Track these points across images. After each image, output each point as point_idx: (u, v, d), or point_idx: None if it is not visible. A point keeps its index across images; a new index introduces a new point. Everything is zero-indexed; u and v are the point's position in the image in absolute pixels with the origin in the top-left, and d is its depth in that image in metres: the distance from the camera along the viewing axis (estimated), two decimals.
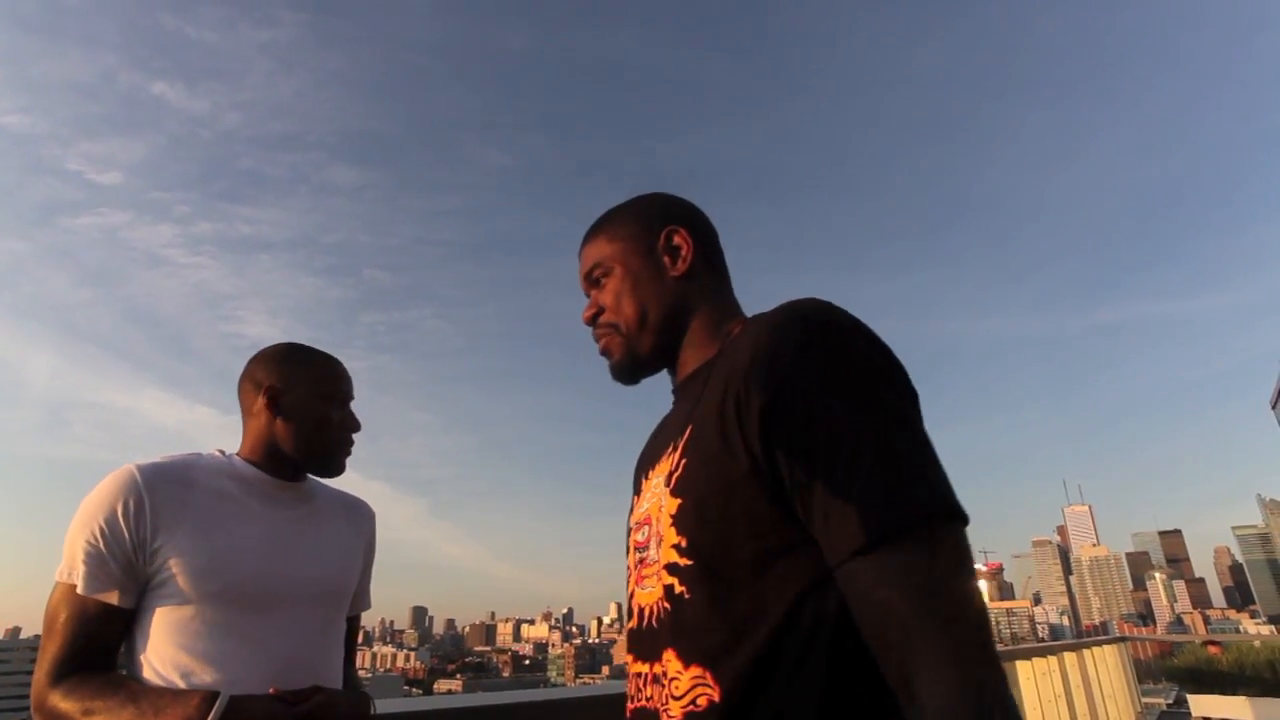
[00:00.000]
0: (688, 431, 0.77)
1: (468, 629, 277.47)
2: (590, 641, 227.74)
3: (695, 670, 0.68)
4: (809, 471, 0.63)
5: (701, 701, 0.67)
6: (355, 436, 1.30)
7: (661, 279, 0.90)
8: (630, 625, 0.83)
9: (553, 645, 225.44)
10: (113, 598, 1.04)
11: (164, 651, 1.04)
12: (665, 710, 0.71)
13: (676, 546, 0.73)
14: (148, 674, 1.03)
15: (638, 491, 0.90)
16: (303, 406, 1.20)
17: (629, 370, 0.92)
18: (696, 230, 0.93)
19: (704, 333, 0.89)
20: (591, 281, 0.94)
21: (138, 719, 0.96)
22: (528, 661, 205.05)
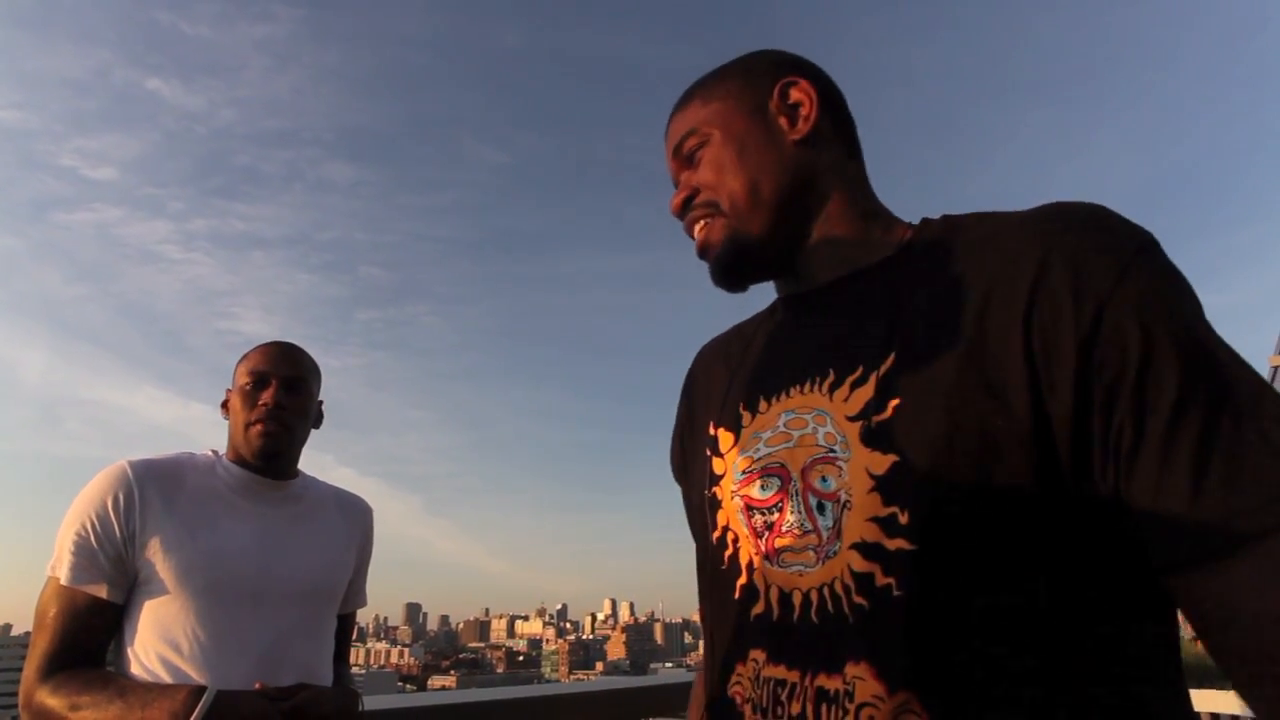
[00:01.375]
0: (889, 360, 0.54)
1: (462, 625, 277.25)
2: (584, 638, 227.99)
3: (901, 696, 0.47)
4: (1143, 437, 0.45)
5: None
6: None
7: (778, 144, 0.67)
8: (757, 610, 0.59)
9: (547, 641, 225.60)
10: (101, 591, 1.05)
11: (151, 646, 1.04)
12: None
13: (885, 522, 0.50)
14: (135, 669, 1.04)
15: (731, 425, 0.67)
16: (233, 402, 1.21)
17: (737, 263, 0.68)
18: (821, 84, 0.69)
19: (844, 221, 0.66)
20: (683, 159, 0.71)
21: (125, 713, 0.97)
22: (522, 658, 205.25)
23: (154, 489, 1.09)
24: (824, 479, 0.55)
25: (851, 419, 0.54)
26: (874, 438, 0.52)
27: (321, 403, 1.32)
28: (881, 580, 0.50)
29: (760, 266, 0.69)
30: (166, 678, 1.02)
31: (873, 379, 0.54)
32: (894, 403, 0.52)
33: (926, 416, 0.50)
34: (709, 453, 0.68)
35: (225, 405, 1.23)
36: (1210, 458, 0.43)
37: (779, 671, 0.55)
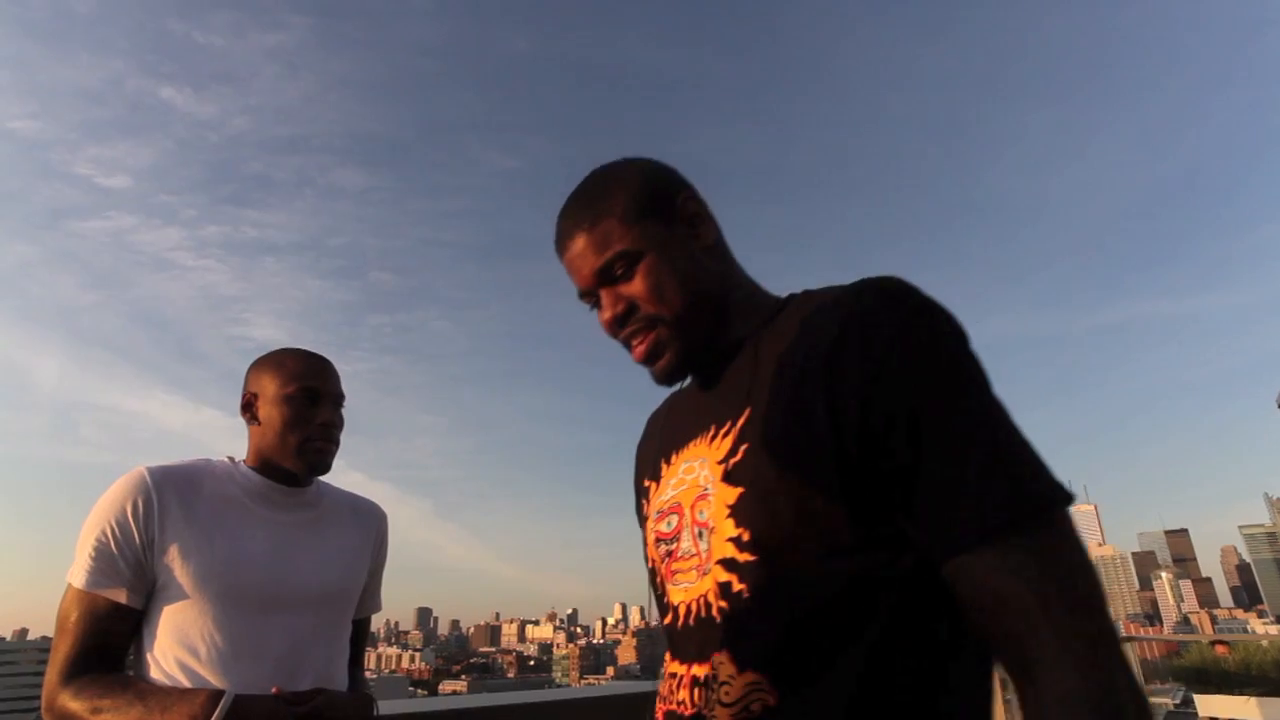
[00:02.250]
0: (746, 413, 0.70)
1: (472, 630, 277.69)
2: (595, 642, 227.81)
3: (751, 676, 0.62)
4: (919, 459, 0.59)
5: (755, 708, 0.61)
6: (351, 435, 1.25)
7: (695, 256, 0.78)
8: (666, 622, 0.76)
9: (557, 646, 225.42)
10: (121, 596, 1.06)
11: (169, 651, 1.06)
12: (711, 716, 0.64)
13: (735, 540, 0.65)
14: (154, 673, 1.06)
15: (653, 477, 0.84)
16: (270, 411, 1.20)
17: (683, 367, 0.78)
18: (700, 197, 0.81)
19: (740, 307, 0.79)
20: (608, 276, 0.77)
21: (145, 717, 0.99)
22: (532, 662, 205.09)
23: (172, 495, 1.10)
24: (701, 512, 0.70)
25: (719, 463, 0.70)
26: (729, 476, 0.68)
27: None
28: (737, 587, 0.65)
29: (701, 364, 0.80)
30: (185, 682, 1.04)
31: (734, 431, 0.70)
32: (744, 447, 0.68)
33: (762, 457, 0.65)
34: (644, 501, 0.85)
35: (247, 408, 1.21)
36: (962, 472, 0.57)
37: (675, 667, 0.72)
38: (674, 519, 0.75)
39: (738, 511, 0.66)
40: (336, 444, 1.21)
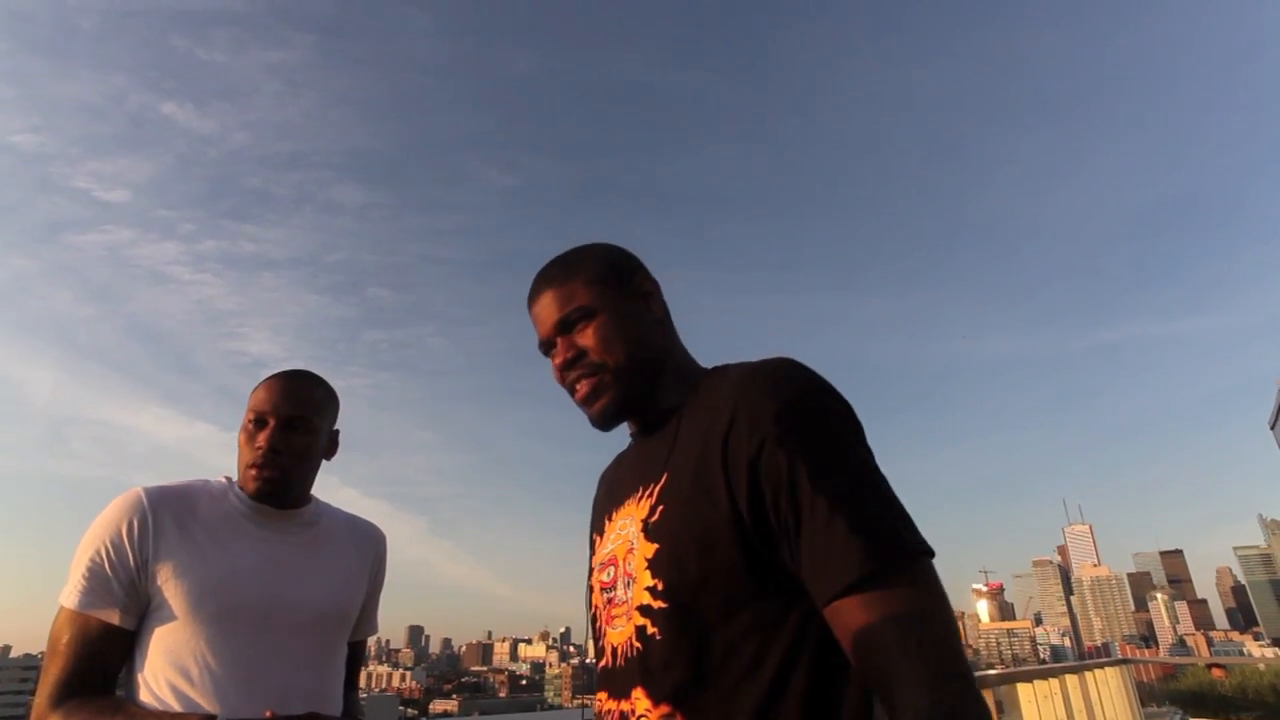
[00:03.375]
0: (664, 478, 0.81)
1: (464, 648, 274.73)
2: (588, 662, 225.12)
3: (664, 709, 0.73)
4: (799, 521, 0.70)
5: None
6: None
7: (645, 323, 0.92)
8: (602, 664, 0.85)
9: (550, 665, 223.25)
10: (114, 617, 1.05)
11: (161, 673, 1.05)
12: None
13: (651, 589, 0.76)
14: (144, 695, 1.04)
15: (599, 532, 0.95)
16: (239, 441, 1.20)
17: (618, 413, 0.91)
18: (655, 280, 0.97)
19: (673, 378, 0.91)
20: (566, 326, 0.91)
21: None
22: (525, 682, 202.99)
23: (168, 515, 1.09)
24: (629, 564, 0.81)
25: (642, 521, 0.81)
26: (647, 533, 0.79)
27: (337, 431, 1.30)
28: (650, 630, 0.76)
29: (632, 415, 0.93)
30: (176, 705, 1.02)
31: (654, 493, 0.81)
32: (660, 509, 0.79)
33: (673, 517, 0.77)
34: (590, 553, 0.96)
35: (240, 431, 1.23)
36: (832, 531, 0.68)
37: (608, 705, 0.82)
38: (612, 570, 0.86)
39: (654, 564, 0.77)
40: (282, 469, 1.17)
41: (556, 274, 0.93)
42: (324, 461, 1.28)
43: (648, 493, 0.83)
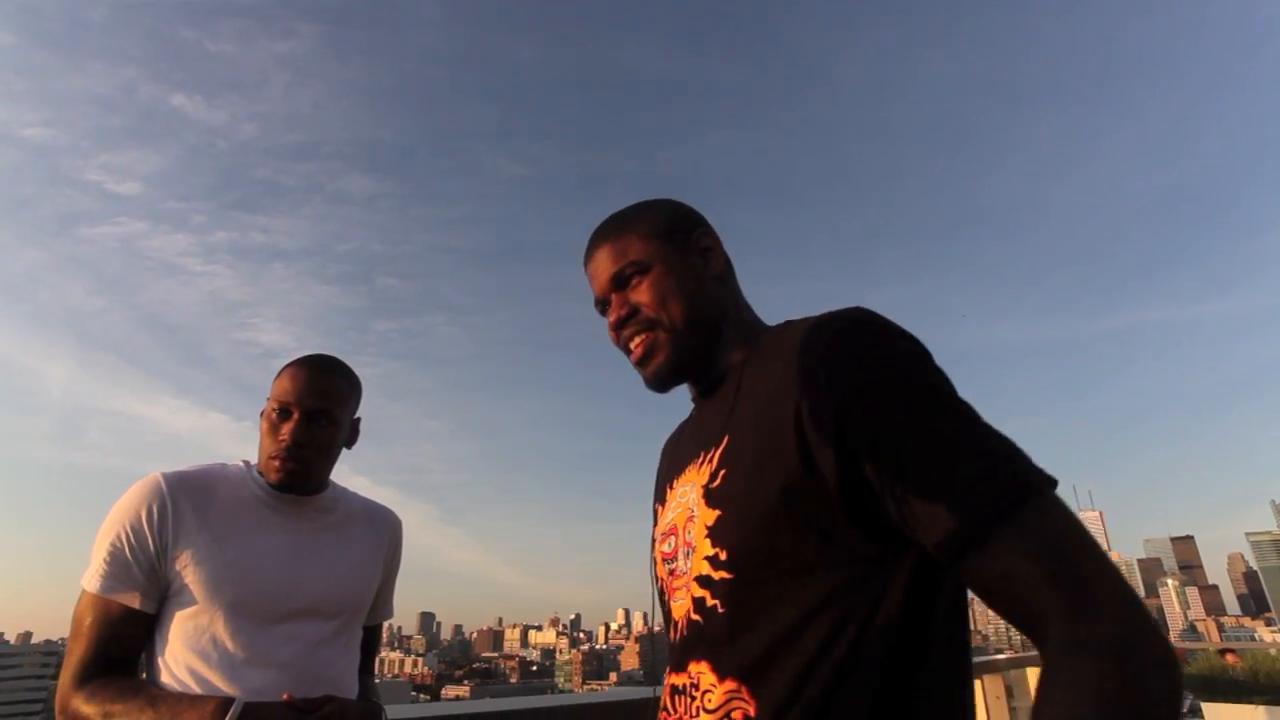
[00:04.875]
0: (724, 441, 0.76)
1: (475, 635, 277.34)
2: (598, 647, 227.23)
3: (730, 684, 0.68)
4: (908, 471, 0.63)
5: (736, 716, 0.66)
6: (348, 449, 1.29)
7: (702, 279, 0.88)
8: (670, 636, 0.82)
9: (560, 651, 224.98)
10: (134, 601, 1.08)
11: (181, 657, 1.07)
12: None
13: (711, 559, 0.72)
14: (165, 678, 1.07)
15: (661, 501, 0.91)
16: (261, 424, 1.21)
17: (673, 373, 0.86)
18: (717, 235, 0.93)
19: (735, 337, 0.86)
20: (621, 281, 0.88)
21: None
22: (535, 667, 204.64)
23: (187, 501, 1.11)
24: (689, 533, 0.77)
25: (702, 487, 0.77)
26: (709, 499, 0.75)
27: (358, 420, 1.31)
28: (710, 602, 0.72)
29: (688, 375, 0.88)
30: (196, 688, 1.04)
31: (715, 457, 0.76)
32: (722, 473, 0.74)
33: (737, 481, 0.72)
34: (654, 524, 0.92)
35: (262, 415, 1.23)
36: (953, 475, 0.61)
37: (671, 679, 0.78)
38: (672, 540, 0.81)
39: (714, 532, 0.72)
40: (303, 462, 1.18)
41: (611, 229, 0.90)
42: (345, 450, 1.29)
43: (708, 457, 0.78)
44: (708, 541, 0.73)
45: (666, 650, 0.83)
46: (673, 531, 0.82)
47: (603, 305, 0.90)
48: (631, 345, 0.87)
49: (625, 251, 0.87)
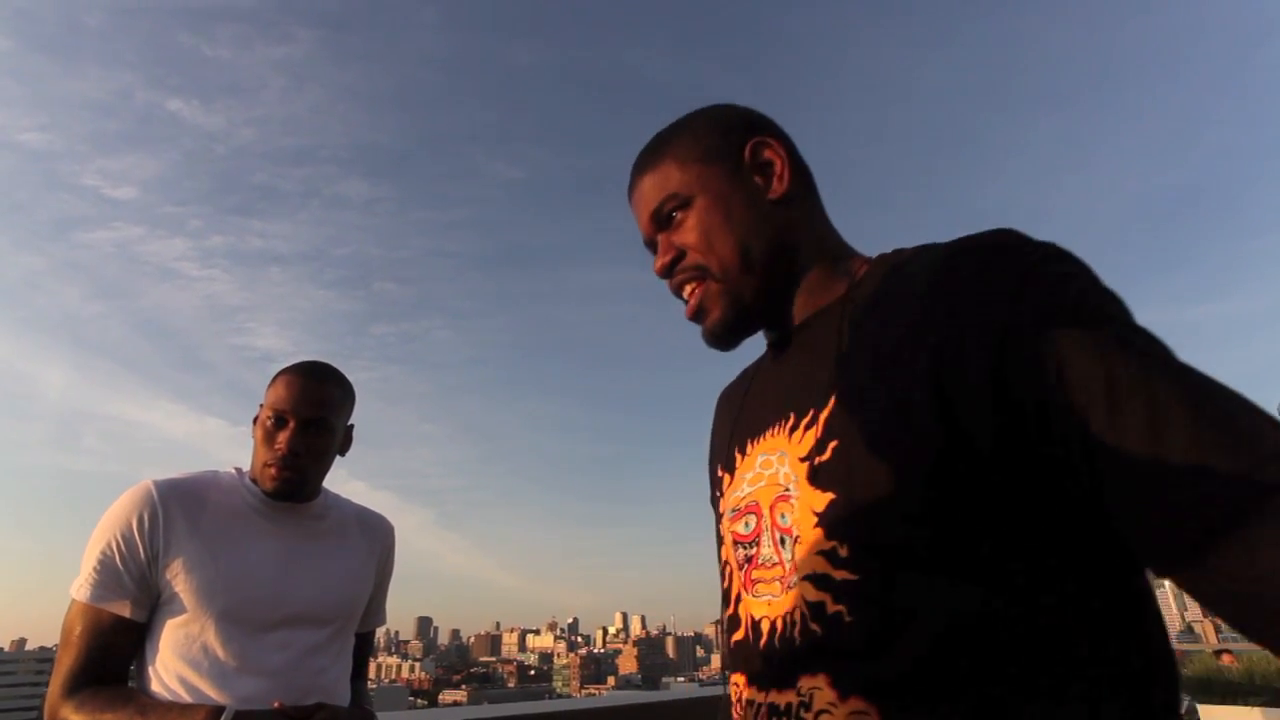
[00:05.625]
0: (830, 404, 0.58)
1: (473, 639, 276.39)
2: (596, 651, 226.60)
3: (857, 704, 0.51)
4: (1105, 441, 0.44)
5: None
6: (354, 445, 1.29)
7: (758, 205, 0.68)
8: (737, 637, 0.64)
9: (558, 655, 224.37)
10: (125, 610, 1.06)
11: (171, 665, 1.05)
12: None
13: (829, 555, 0.54)
14: (155, 687, 1.05)
15: (728, 467, 0.72)
16: (254, 431, 1.20)
17: (733, 329, 0.69)
18: (785, 139, 0.72)
19: (818, 271, 0.68)
20: (662, 221, 0.71)
21: None
22: (533, 672, 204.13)
23: (178, 509, 1.10)
24: (783, 516, 0.60)
25: (801, 460, 0.58)
26: (816, 478, 0.56)
27: (351, 426, 1.29)
28: (832, 608, 0.53)
29: (754, 326, 0.70)
30: (185, 696, 1.03)
31: (819, 422, 0.58)
32: (833, 444, 0.55)
33: (857, 458, 0.53)
34: (717, 493, 0.74)
35: (255, 420, 1.21)
36: (1190, 427, 0.42)
37: (752, 693, 0.60)
38: (752, 520, 0.65)
39: (829, 521, 0.55)
40: (300, 470, 1.16)
41: (648, 155, 0.73)
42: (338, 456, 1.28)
43: (806, 421, 0.60)
44: (820, 533, 0.55)
45: (730, 652, 0.66)
46: (753, 510, 0.65)
47: (651, 247, 0.74)
48: (685, 295, 0.71)
49: (664, 182, 0.70)
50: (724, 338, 0.69)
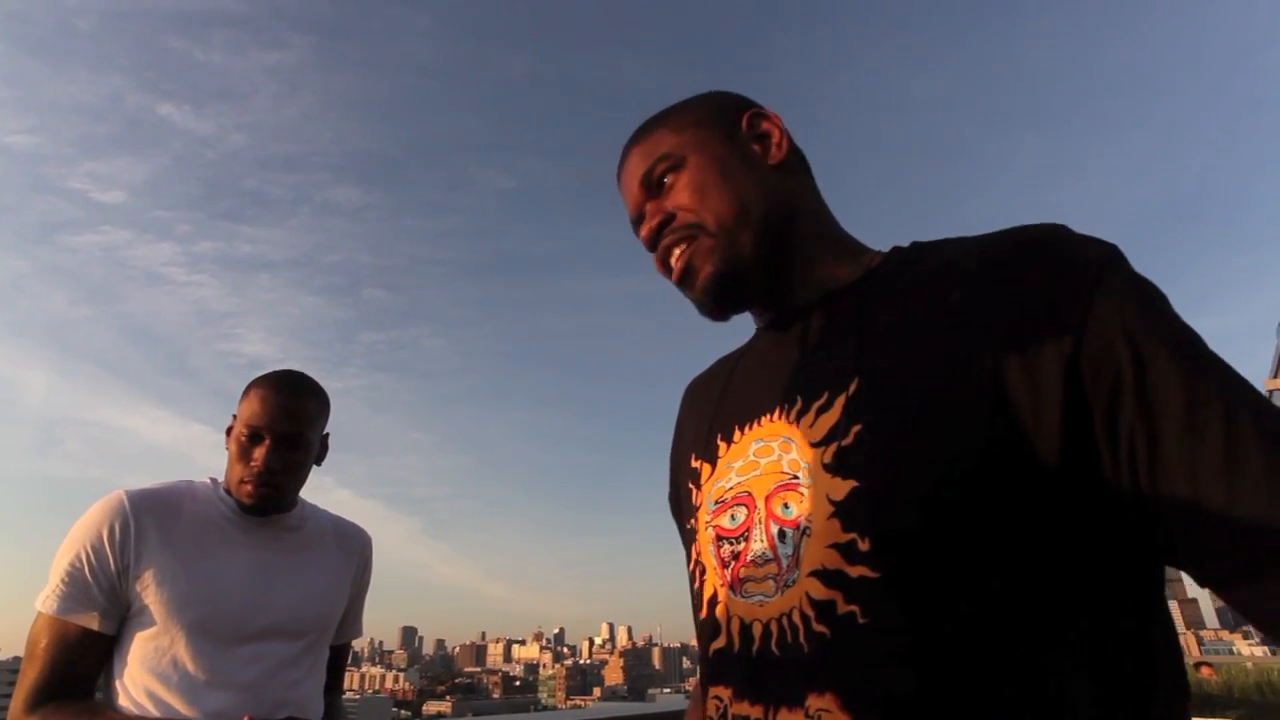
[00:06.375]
0: (853, 385, 0.53)
1: (458, 649, 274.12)
2: (581, 662, 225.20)
3: None
4: (1180, 438, 0.43)
5: None
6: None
7: (757, 167, 0.65)
8: (716, 645, 0.58)
9: (544, 666, 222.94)
10: (93, 622, 1.04)
11: (140, 679, 1.04)
12: None
13: (845, 548, 0.49)
14: (123, 701, 1.04)
15: (706, 456, 0.66)
16: (229, 444, 1.18)
17: (727, 286, 0.62)
18: (780, 122, 0.69)
19: (818, 247, 0.64)
20: (652, 186, 0.66)
21: None
22: (518, 683, 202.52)
23: (150, 520, 1.08)
24: (786, 506, 0.54)
25: (815, 445, 0.53)
26: (836, 464, 0.51)
27: (327, 435, 1.27)
28: (843, 608, 0.48)
29: (749, 290, 0.64)
30: (154, 711, 1.02)
31: (838, 404, 0.53)
32: (856, 428, 0.51)
33: (889, 443, 0.49)
34: (691, 485, 0.67)
35: (230, 432, 1.19)
36: (1249, 455, 0.41)
37: (743, 709, 0.53)
38: (741, 512, 0.58)
39: (849, 511, 0.49)
40: (277, 487, 1.15)
41: (640, 130, 0.70)
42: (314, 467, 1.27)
43: (820, 405, 0.55)
44: (836, 524, 0.50)
45: (707, 662, 0.60)
46: (742, 500, 0.58)
47: (638, 223, 0.68)
48: (671, 261, 0.65)
49: (655, 148, 0.66)
50: (717, 296, 0.63)
